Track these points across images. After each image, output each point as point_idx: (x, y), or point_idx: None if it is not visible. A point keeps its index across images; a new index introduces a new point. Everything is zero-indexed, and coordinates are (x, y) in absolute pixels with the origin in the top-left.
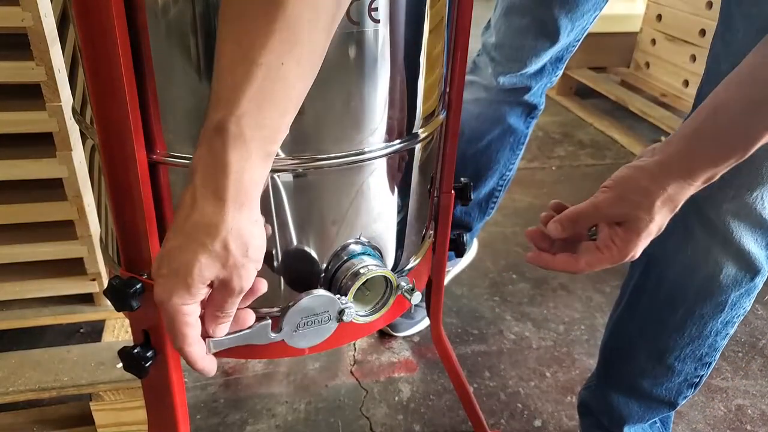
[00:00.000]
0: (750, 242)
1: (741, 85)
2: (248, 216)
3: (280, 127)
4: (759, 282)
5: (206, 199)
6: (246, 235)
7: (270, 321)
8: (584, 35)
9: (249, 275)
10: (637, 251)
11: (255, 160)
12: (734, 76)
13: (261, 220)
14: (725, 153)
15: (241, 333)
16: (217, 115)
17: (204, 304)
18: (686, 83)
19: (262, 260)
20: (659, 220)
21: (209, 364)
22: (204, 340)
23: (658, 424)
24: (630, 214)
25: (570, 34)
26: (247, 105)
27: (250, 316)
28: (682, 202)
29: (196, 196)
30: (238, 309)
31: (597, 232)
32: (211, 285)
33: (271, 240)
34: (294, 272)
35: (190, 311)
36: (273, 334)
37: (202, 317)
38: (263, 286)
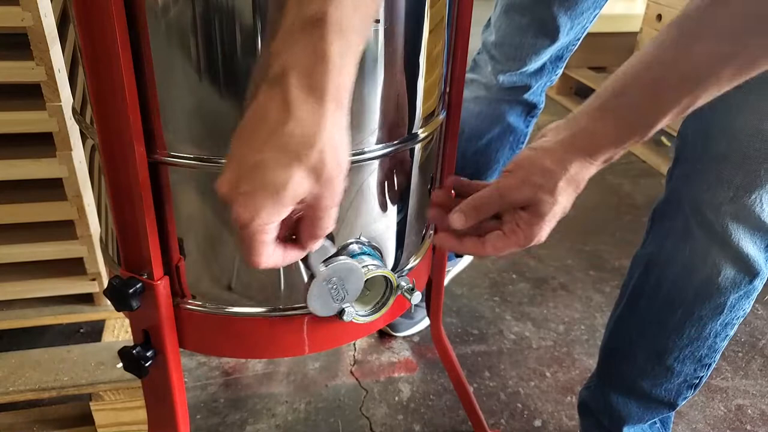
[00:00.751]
0: (749, 245)
1: (645, 66)
2: (341, 121)
3: (369, 20)
4: (758, 284)
5: (303, 102)
6: (339, 143)
7: (334, 250)
8: (584, 34)
9: (340, 187)
10: (543, 234)
11: (352, 55)
12: (640, 56)
13: (348, 126)
14: (627, 134)
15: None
16: (310, 8)
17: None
18: None
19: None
20: (563, 201)
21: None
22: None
23: (657, 425)
24: (533, 198)
25: (570, 33)
26: None
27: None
28: (585, 181)
29: (289, 101)
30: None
31: (502, 215)
32: (300, 203)
33: None
34: (294, 272)
35: (271, 230)
36: (321, 265)
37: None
38: None
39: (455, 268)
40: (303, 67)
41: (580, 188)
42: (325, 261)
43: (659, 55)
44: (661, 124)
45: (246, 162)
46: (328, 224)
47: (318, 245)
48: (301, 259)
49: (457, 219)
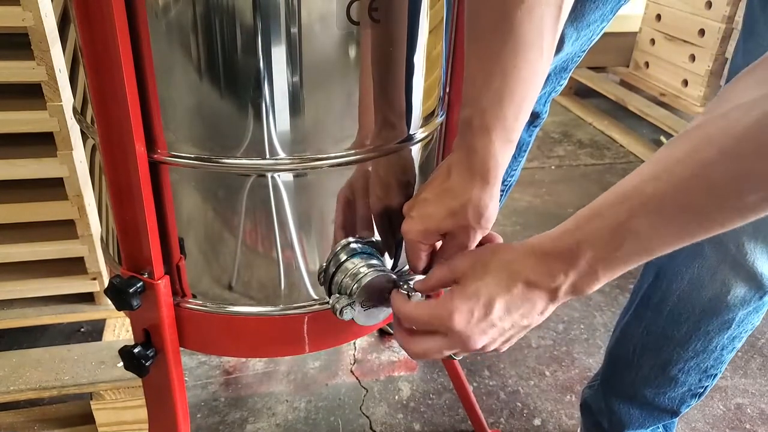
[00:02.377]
0: (764, 264)
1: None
2: (489, 191)
3: (517, 117)
4: None
5: (459, 173)
6: (482, 207)
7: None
8: (590, 46)
9: (476, 238)
10: (456, 312)
11: (498, 146)
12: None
13: (498, 196)
14: (565, 254)
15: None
16: (465, 112)
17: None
18: (685, 83)
19: (490, 228)
20: (488, 282)
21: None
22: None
23: (660, 430)
24: (469, 269)
25: (575, 44)
26: (488, 102)
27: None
28: (521, 282)
29: (451, 170)
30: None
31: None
32: (444, 235)
33: (271, 240)
34: (294, 272)
35: (423, 247)
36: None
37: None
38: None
39: None
40: (460, 153)
41: (514, 285)
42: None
43: (630, 195)
44: (595, 247)
45: (419, 196)
46: (469, 241)
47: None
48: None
49: (418, 282)
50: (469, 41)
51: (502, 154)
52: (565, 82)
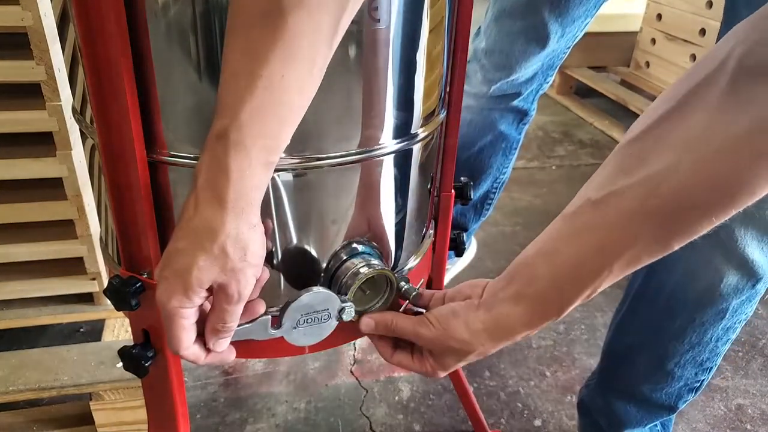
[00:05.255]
0: (755, 250)
1: (550, 257)
2: (247, 221)
3: (281, 136)
4: (761, 288)
5: (207, 204)
6: (244, 240)
7: (270, 317)
8: (575, 42)
9: (247, 280)
10: (447, 372)
11: (255, 168)
12: (540, 246)
13: (260, 226)
14: (540, 320)
15: (242, 327)
16: (220, 123)
17: (203, 318)
18: None
19: (261, 265)
20: (467, 361)
21: (213, 359)
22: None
23: (658, 427)
24: (444, 354)
25: (560, 41)
26: (249, 114)
27: (260, 306)
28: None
29: (198, 200)
30: (249, 300)
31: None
32: (210, 291)
33: (271, 239)
34: (294, 272)
35: (187, 315)
36: (272, 330)
37: (200, 322)
38: (265, 275)
39: (455, 267)
40: (208, 175)
41: (484, 354)
42: (273, 326)
43: (556, 248)
44: (574, 306)
45: (169, 248)
46: (231, 320)
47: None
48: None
49: (365, 324)
50: (231, 31)
51: (260, 177)
52: (551, 80)
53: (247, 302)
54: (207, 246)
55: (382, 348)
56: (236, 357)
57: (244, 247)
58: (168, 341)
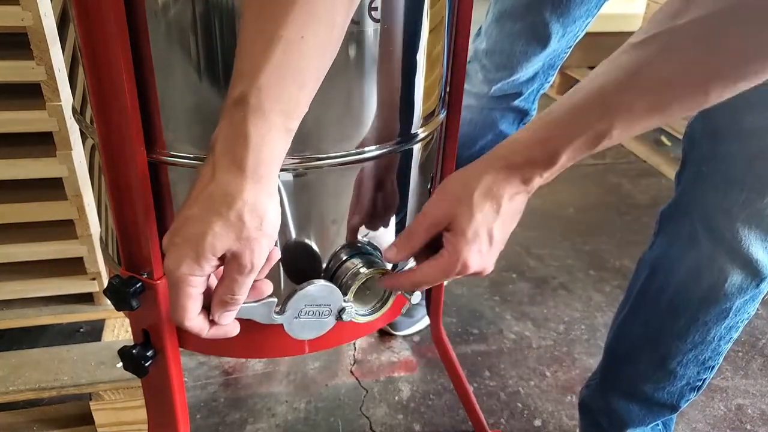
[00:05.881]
0: (759, 250)
1: (570, 93)
2: (265, 189)
3: (300, 101)
4: (764, 288)
5: (225, 170)
6: (262, 209)
7: (275, 300)
8: (576, 42)
9: (261, 250)
10: (471, 258)
11: (275, 134)
12: (576, 86)
13: (277, 196)
14: (541, 150)
15: (247, 305)
16: (238, 88)
17: (208, 292)
18: None
19: (275, 237)
20: (482, 218)
21: (216, 332)
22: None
23: (659, 426)
24: (452, 212)
25: (561, 40)
26: (267, 77)
27: (267, 287)
28: (507, 197)
29: (215, 167)
30: (256, 280)
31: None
32: (222, 260)
33: None
34: (294, 272)
35: (195, 283)
36: (275, 315)
37: (206, 296)
38: (276, 254)
39: None
40: (227, 142)
41: (501, 207)
42: (277, 310)
43: (582, 86)
44: (573, 146)
45: (181, 215)
46: (240, 292)
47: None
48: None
49: (388, 252)
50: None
51: (279, 145)
52: (552, 79)
53: (255, 281)
54: (223, 212)
55: (403, 276)
56: (236, 357)
57: (261, 216)
58: (172, 311)
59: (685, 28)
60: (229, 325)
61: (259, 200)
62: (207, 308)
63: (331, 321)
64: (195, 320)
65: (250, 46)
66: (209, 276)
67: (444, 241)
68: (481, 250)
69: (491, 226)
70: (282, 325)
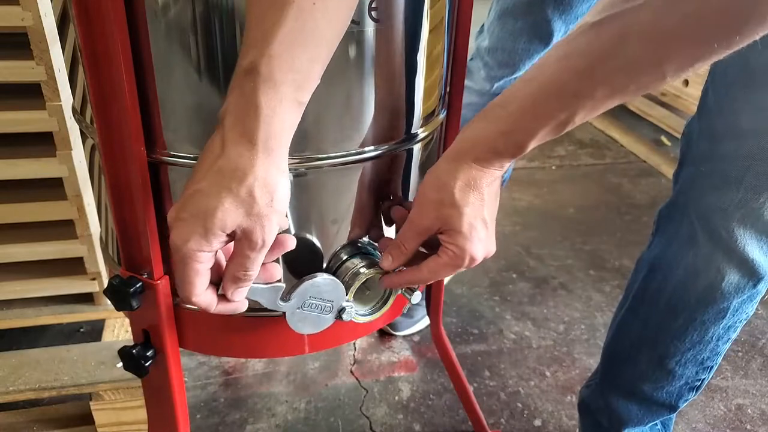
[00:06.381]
0: (755, 250)
1: (526, 82)
2: (276, 164)
3: (311, 73)
4: (762, 288)
5: (235, 143)
6: (272, 184)
7: (284, 285)
8: None
9: (272, 227)
10: (475, 249)
11: (286, 105)
12: (526, 73)
13: (287, 173)
14: (505, 142)
15: (257, 285)
16: (248, 57)
17: (214, 271)
18: (686, 83)
19: (285, 213)
20: (471, 211)
21: (224, 308)
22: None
23: (658, 426)
24: (440, 215)
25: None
26: (279, 45)
27: (277, 271)
28: (488, 186)
29: (225, 140)
30: (265, 262)
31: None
32: (230, 236)
33: None
34: (294, 271)
35: (203, 259)
36: (280, 302)
37: (214, 271)
38: (291, 242)
39: None
40: (237, 113)
41: (484, 194)
42: (283, 296)
43: (539, 72)
44: (541, 135)
45: (188, 190)
46: (252, 268)
47: (261, 293)
48: (260, 303)
49: (384, 261)
50: None
51: (290, 118)
52: None
53: (266, 263)
54: (234, 188)
55: (407, 274)
56: (236, 357)
57: (272, 192)
58: (179, 287)
59: (643, 10)
60: (239, 302)
61: (270, 175)
62: (214, 284)
63: (330, 318)
64: (202, 296)
65: (261, 14)
66: (217, 252)
67: (442, 242)
68: (481, 238)
69: (482, 214)
70: (283, 316)
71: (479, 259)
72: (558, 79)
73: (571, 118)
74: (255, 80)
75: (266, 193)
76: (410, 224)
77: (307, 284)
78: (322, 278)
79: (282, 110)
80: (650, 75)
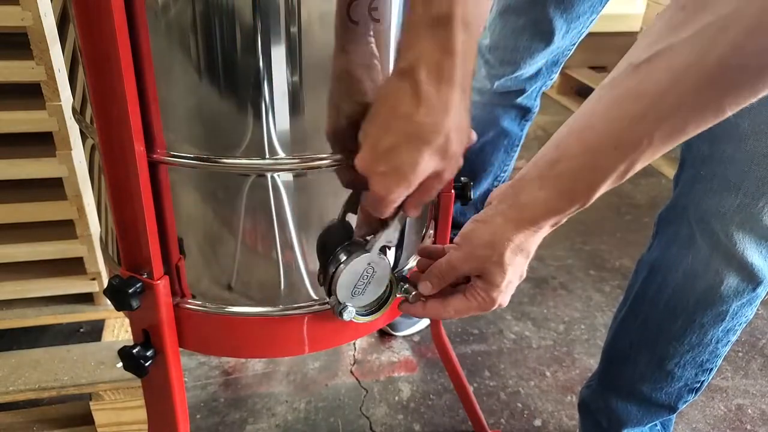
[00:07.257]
0: (754, 254)
1: (577, 135)
2: (465, 104)
3: (486, 14)
4: (761, 292)
5: (432, 93)
6: (466, 125)
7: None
8: (580, 39)
9: (460, 162)
10: (503, 299)
11: (474, 45)
12: (572, 122)
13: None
14: (568, 202)
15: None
16: (439, 7)
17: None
18: None
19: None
20: (513, 270)
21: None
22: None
23: (658, 427)
24: (482, 268)
25: (565, 37)
26: None
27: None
28: (534, 247)
29: (419, 91)
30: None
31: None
32: None
33: (271, 240)
34: (294, 272)
35: (400, 199)
36: (376, 240)
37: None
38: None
39: None
40: (433, 61)
41: (530, 254)
42: (381, 250)
43: (590, 123)
44: (603, 189)
45: (381, 146)
46: (434, 194)
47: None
48: (381, 228)
49: (424, 287)
50: None
51: (475, 59)
52: (555, 77)
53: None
54: (432, 139)
55: (432, 308)
56: (236, 357)
57: (464, 131)
58: (373, 211)
59: (689, 42)
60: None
61: (464, 117)
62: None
63: (377, 291)
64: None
65: None
66: None
67: (475, 287)
68: (512, 290)
69: (522, 270)
70: (334, 280)
71: (504, 306)
72: (611, 127)
73: (631, 167)
74: (451, 27)
75: (459, 135)
76: (450, 266)
77: (386, 268)
78: (387, 280)
79: (471, 49)
80: (710, 111)
